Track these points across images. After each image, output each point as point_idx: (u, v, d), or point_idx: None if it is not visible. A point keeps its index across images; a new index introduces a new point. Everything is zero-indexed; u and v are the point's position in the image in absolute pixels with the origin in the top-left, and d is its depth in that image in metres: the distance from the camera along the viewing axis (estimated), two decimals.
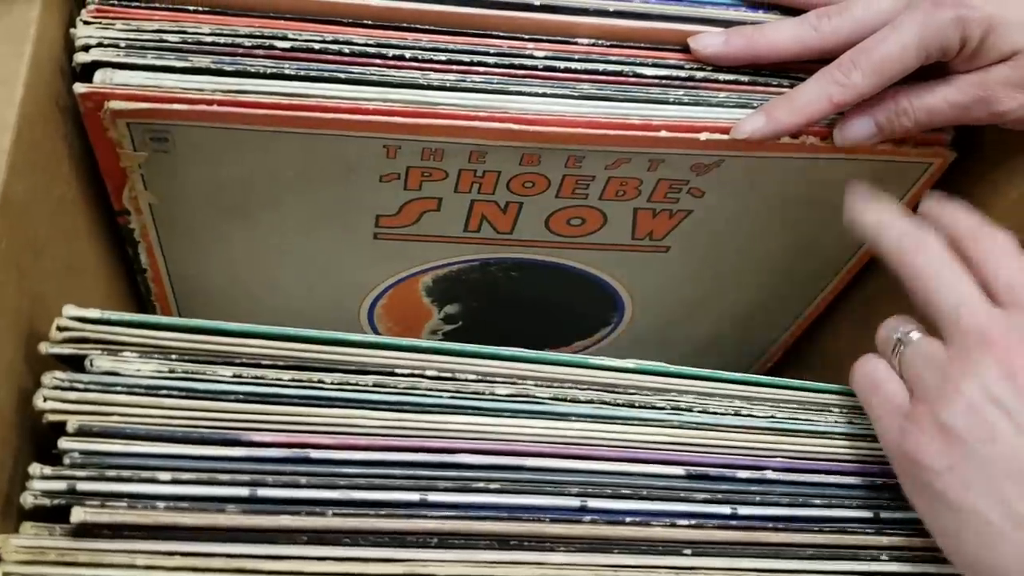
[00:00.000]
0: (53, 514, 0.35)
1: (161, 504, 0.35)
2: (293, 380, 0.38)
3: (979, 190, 0.50)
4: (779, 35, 0.45)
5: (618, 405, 0.41)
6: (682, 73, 0.46)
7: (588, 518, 0.38)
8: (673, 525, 0.39)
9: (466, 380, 0.40)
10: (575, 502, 0.38)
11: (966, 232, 0.41)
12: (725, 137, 0.45)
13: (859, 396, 0.42)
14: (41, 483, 0.34)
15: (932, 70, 0.44)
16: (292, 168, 0.45)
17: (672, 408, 0.42)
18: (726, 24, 0.46)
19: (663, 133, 0.44)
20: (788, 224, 0.53)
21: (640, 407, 0.41)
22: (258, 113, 0.41)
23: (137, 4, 0.42)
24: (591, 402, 0.41)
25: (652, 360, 0.42)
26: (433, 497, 0.37)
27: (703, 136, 0.44)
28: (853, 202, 0.44)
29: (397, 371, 0.39)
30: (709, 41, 0.46)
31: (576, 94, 0.44)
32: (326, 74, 0.42)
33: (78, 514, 0.34)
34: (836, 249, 0.56)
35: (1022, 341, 0.37)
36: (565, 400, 0.40)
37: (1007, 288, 0.39)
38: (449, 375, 0.40)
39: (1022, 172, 0.48)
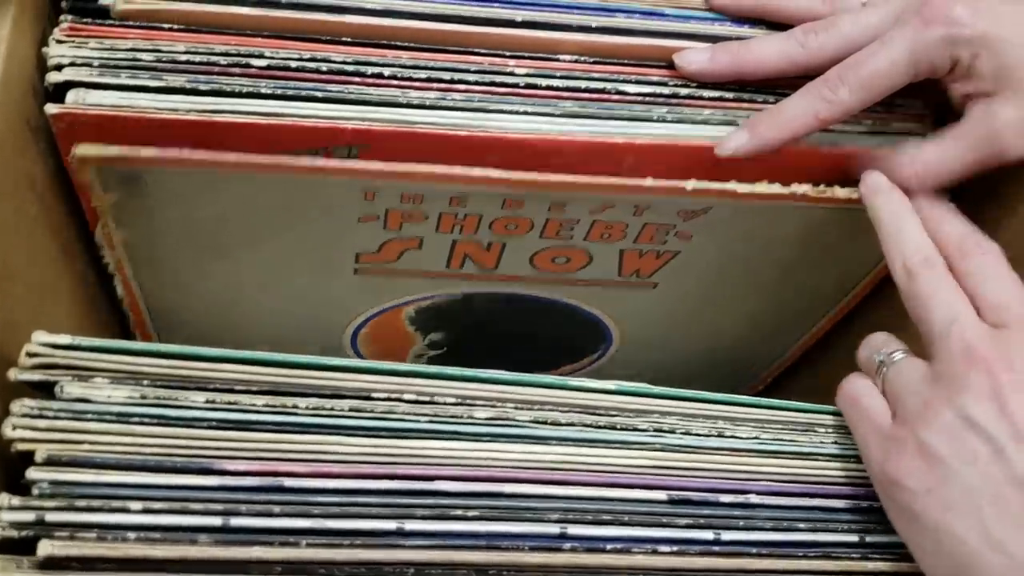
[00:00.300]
0: (21, 546, 0.34)
1: (132, 535, 0.34)
2: (267, 406, 0.37)
3: (988, 208, 0.49)
4: (765, 51, 0.45)
5: (600, 427, 0.40)
6: (666, 90, 0.45)
7: (568, 545, 0.37)
8: (655, 552, 0.38)
9: (445, 404, 0.39)
10: (555, 529, 0.37)
11: (955, 245, 0.41)
12: (713, 186, 0.44)
13: (844, 415, 0.42)
14: (9, 514, 0.34)
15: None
16: (268, 209, 0.45)
17: (655, 430, 0.41)
18: (711, 39, 0.46)
19: (649, 182, 0.43)
20: (778, 264, 0.53)
21: (622, 429, 0.41)
22: (229, 160, 0.40)
23: (111, 22, 0.41)
24: (572, 425, 0.40)
25: (638, 383, 0.42)
26: (410, 525, 0.36)
27: (689, 185, 0.44)
28: (871, 196, 0.44)
29: (374, 395, 0.38)
30: (694, 57, 0.45)
31: (558, 112, 0.43)
32: (303, 92, 0.41)
33: (45, 547, 0.33)
34: (829, 288, 0.56)
35: (1007, 360, 0.37)
36: (546, 423, 0.40)
37: (995, 308, 0.39)
38: (427, 399, 0.39)
39: None
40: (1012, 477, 0.35)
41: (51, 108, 0.39)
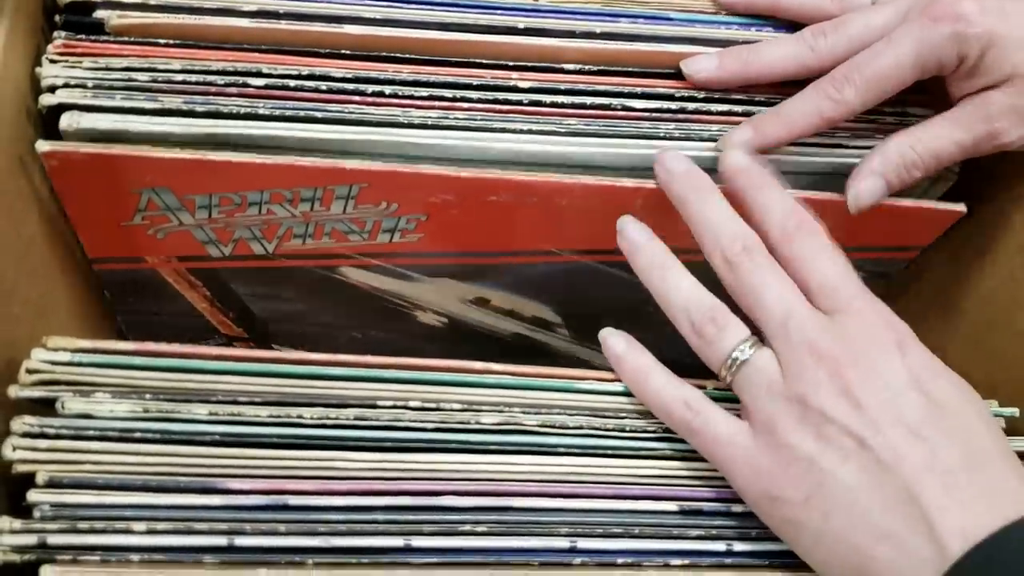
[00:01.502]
0: (23, 570, 0.33)
1: (135, 557, 0.34)
2: (271, 417, 0.37)
3: (990, 233, 0.49)
4: (774, 55, 0.44)
5: (608, 431, 0.39)
6: (673, 104, 0.44)
7: (579, 560, 0.37)
8: (667, 565, 0.37)
9: (451, 410, 0.38)
10: (565, 543, 0.37)
11: (777, 227, 0.39)
12: None
13: (676, 430, 0.40)
14: (10, 538, 0.33)
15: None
16: None
17: (664, 431, 0.40)
18: (718, 43, 0.45)
19: None
20: None
21: (631, 431, 0.40)
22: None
23: (106, 38, 0.41)
24: (580, 427, 0.39)
25: None
26: (417, 542, 0.36)
27: None
28: (671, 183, 0.41)
29: (379, 403, 0.38)
30: (702, 65, 0.44)
31: (563, 130, 0.43)
32: (302, 114, 0.41)
33: (48, 571, 0.33)
34: None
35: (850, 352, 0.36)
36: (554, 427, 0.39)
37: (825, 292, 0.38)
38: (433, 405, 0.38)
39: None
40: (879, 462, 0.35)
41: (42, 146, 0.39)
